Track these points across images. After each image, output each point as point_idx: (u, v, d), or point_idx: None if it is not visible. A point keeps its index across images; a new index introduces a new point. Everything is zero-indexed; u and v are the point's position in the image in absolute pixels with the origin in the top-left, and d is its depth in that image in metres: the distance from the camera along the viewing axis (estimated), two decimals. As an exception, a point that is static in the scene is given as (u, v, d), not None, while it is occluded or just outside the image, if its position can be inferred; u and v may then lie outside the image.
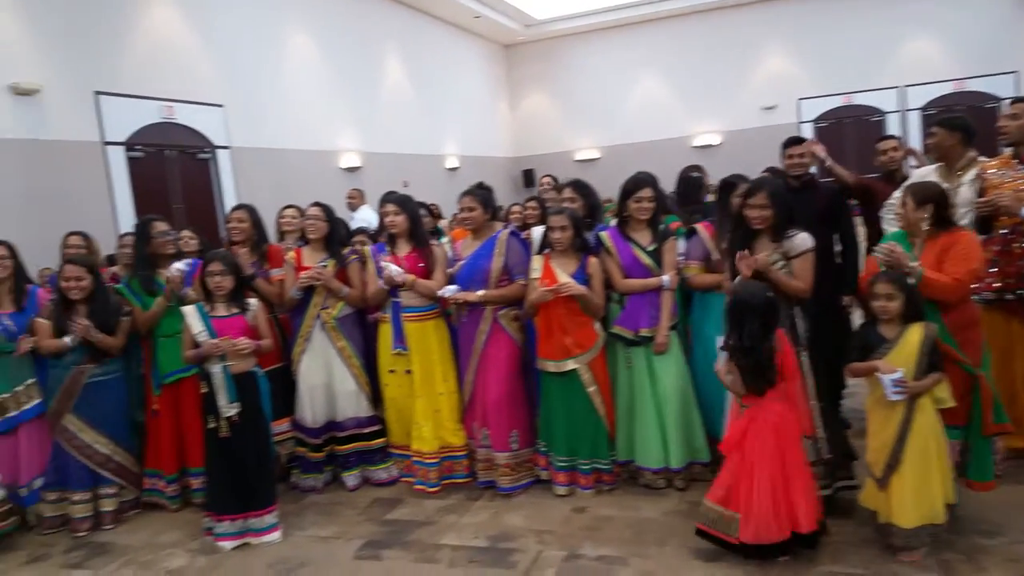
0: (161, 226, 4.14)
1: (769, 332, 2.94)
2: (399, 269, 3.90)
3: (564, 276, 3.70)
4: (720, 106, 15.62)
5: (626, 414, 3.82)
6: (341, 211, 6.01)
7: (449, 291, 3.90)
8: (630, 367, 3.79)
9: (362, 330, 4.27)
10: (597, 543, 3.29)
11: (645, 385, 3.75)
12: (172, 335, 3.97)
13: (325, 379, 4.11)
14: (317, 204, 4.22)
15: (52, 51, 7.07)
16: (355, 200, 8.44)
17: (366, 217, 7.82)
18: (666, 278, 3.71)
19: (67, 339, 3.78)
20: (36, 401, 3.93)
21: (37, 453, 3.92)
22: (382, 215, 4.11)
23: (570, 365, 3.72)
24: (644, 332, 3.72)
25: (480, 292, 3.88)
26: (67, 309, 3.83)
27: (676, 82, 16.04)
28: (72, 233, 4.62)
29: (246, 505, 3.59)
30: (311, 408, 4.10)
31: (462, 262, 4.01)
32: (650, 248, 3.77)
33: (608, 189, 4.94)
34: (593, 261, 3.77)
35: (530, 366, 3.96)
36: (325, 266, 4.10)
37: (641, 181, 3.78)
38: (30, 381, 3.92)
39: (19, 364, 3.88)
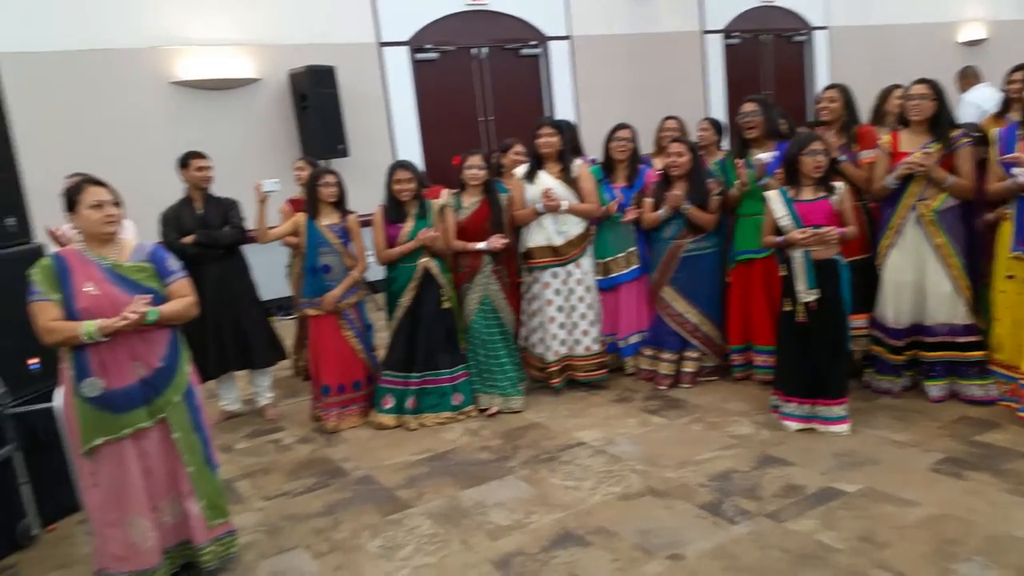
0: (749, 107, 4.35)
1: None
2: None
3: None
4: None
5: None
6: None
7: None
8: None
9: (965, 226, 3.82)
10: None
11: None
12: (752, 215, 4.22)
13: (915, 277, 3.84)
14: (923, 80, 3.83)
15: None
16: (970, 80, 7.33)
17: (979, 98, 6.73)
18: None
19: (660, 212, 4.36)
20: (635, 266, 4.66)
21: (634, 312, 4.69)
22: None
23: None
24: None
25: None
26: (667, 186, 4.40)
27: None
28: (668, 118, 5.21)
29: (816, 392, 3.68)
30: (895, 307, 3.90)
31: None
32: None
33: None
34: None
35: None
36: (928, 151, 3.74)
37: None
38: (632, 249, 4.66)
39: (625, 232, 4.65)
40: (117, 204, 2.76)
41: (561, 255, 4.45)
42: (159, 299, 2.76)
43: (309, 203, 4.36)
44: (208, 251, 4.39)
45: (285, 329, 6.76)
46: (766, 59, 8.77)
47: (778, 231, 3.75)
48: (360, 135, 7.62)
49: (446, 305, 4.32)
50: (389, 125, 8.00)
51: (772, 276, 4.08)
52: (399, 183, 4.27)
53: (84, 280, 2.68)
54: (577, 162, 4.52)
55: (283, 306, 7.27)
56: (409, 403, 4.30)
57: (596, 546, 2.89)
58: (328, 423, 4.36)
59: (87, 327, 2.59)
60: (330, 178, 4.33)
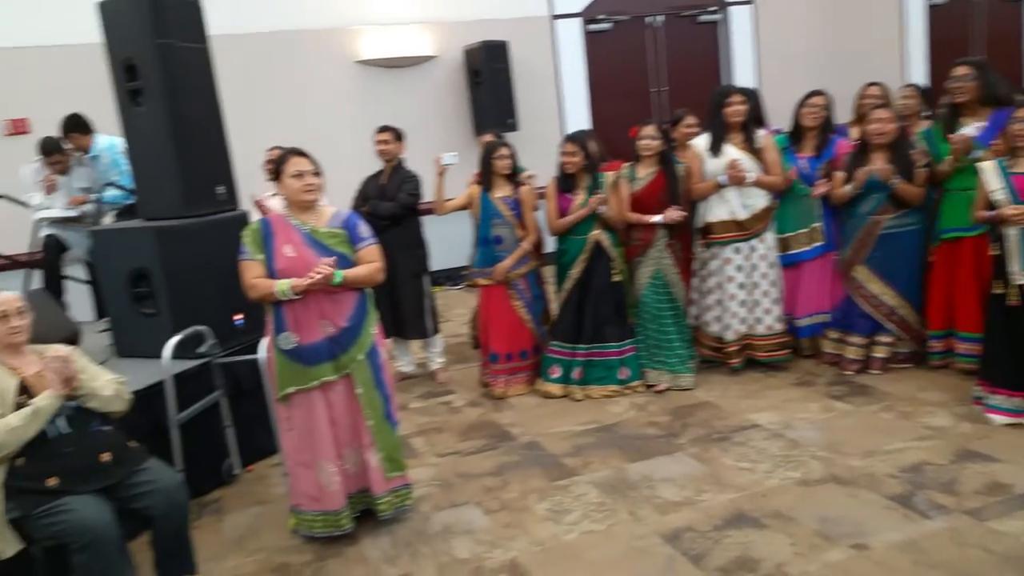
0: (962, 70, 3.97)
1: None
2: None
3: None
4: None
5: None
6: None
7: None
8: None
9: None
10: None
11: None
12: (963, 190, 3.86)
13: None
14: None
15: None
16: None
17: None
18: None
19: (847, 188, 4.08)
20: (818, 243, 4.41)
21: (815, 292, 4.45)
22: None
23: None
24: None
25: None
26: (862, 157, 4.11)
27: None
28: (871, 84, 4.86)
29: (1029, 384, 3.36)
30: None
31: None
32: None
33: None
34: None
35: None
36: None
37: None
38: (816, 224, 4.41)
39: (809, 207, 4.40)
40: (317, 174, 2.97)
41: (745, 229, 4.28)
42: (347, 263, 2.95)
43: (484, 175, 4.50)
44: (376, 221, 4.62)
45: (454, 299, 7.09)
46: (977, 20, 7.95)
47: (991, 206, 3.42)
48: (530, 109, 7.74)
49: (616, 278, 4.31)
50: (559, 98, 8.05)
51: (982, 256, 3.73)
52: (565, 155, 4.30)
53: (284, 243, 2.92)
54: (761, 132, 4.34)
55: (451, 276, 7.58)
56: (575, 374, 4.35)
57: (772, 529, 2.81)
58: (496, 389, 4.50)
59: (280, 285, 2.83)
60: (504, 150, 4.44)
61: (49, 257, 5.03)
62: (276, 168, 3.00)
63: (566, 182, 4.34)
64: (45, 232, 5.10)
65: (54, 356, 2.55)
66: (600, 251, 4.29)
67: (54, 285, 4.99)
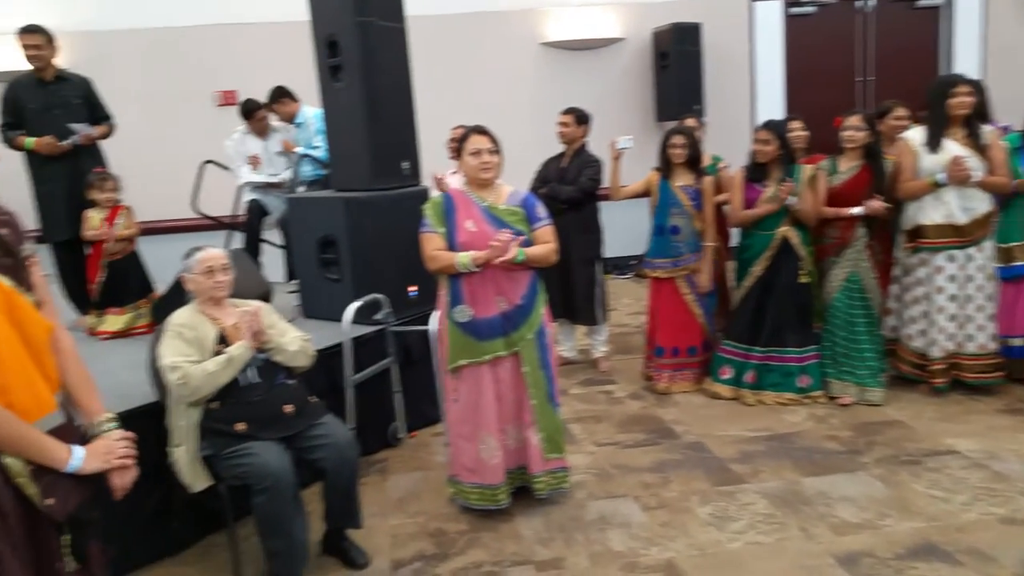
0: None
1: None
2: None
3: None
4: None
5: None
6: None
7: None
8: None
9: None
10: None
11: None
12: None
13: None
14: None
15: None
16: None
17: None
18: None
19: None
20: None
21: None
22: None
23: None
24: None
25: None
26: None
27: None
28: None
29: None
30: None
31: None
32: None
33: None
34: None
35: None
36: None
37: None
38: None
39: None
40: (495, 152, 3.02)
41: (964, 236, 3.86)
42: (525, 242, 2.97)
43: (662, 162, 4.38)
44: (553, 204, 4.62)
45: (621, 288, 7.01)
46: None
47: None
48: (718, 94, 7.47)
49: (804, 279, 4.05)
50: (751, 84, 7.71)
51: None
52: (757, 143, 4.08)
53: (466, 218, 3.00)
54: (987, 128, 3.90)
55: (619, 265, 7.49)
56: (748, 377, 4.15)
57: (966, 567, 2.54)
58: (659, 384, 4.40)
59: (461, 258, 2.91)
60: (677, 139, 4.28)
61: (251, 220, 5.48)
62: (458, 146, 3.08)
63: (756, 172, 4.13)
64: (249, 197, 5.56)
65: (245, 310, 2.78)
66: (787, 249, 4.04)
67: (253, 247, 5.43)
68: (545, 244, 3.02)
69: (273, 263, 5.57)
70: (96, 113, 4.46)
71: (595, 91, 7.37)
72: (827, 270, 4.07)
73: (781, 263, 4.06)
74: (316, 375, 3.15)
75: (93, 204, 4.18)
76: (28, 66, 4.30)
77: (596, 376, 4.78)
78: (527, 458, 3.12)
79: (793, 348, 4.09)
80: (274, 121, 5.61)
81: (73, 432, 1.68)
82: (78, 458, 1.61)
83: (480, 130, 3.04)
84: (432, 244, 3.02)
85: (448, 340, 3.06)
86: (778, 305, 4.07)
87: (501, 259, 2.85)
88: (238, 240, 5.51)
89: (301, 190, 5.26)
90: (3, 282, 1.56)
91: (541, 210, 3.08)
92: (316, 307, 4.20)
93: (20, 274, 1.62)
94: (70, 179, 4.33)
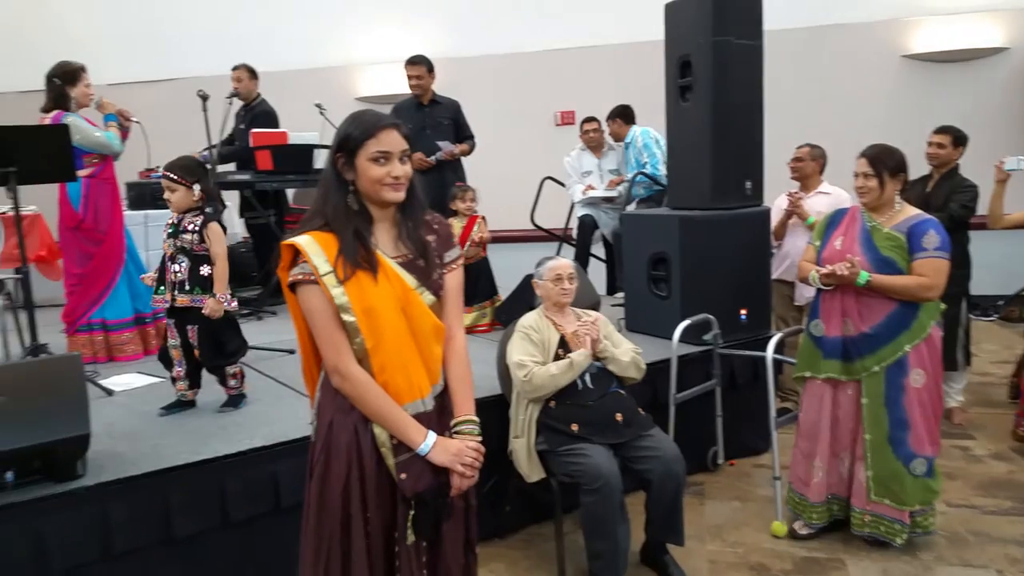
0: None
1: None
2: None
3: None
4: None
5: None
6: None
7: None
8: None
9: None
10: None
11: None
12: None
13: None
14: None
15: None
16: None
17: None
18: None
19: None
20: None
21: None
22: None
23: None
24: None
25: None
26: None
27: None
28: None
29: None
30: None
31: None
32: None
33: None
34: None
35: None
36: None
37: None
38: None
39: None
40: (869, 176, 2.95)
41: None
42: (892, 269, 2.88)
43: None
44: None
45: (983, 331, 6.20)
46: None
47: None
48: None
49: None
50: None
51: None
52: None
53: (840, 234, 3.07)
54: None
55: (981, 304, 6.63)
56: None
57: None
58: (1034, 447, 3.86)
59: (813, 272, 3.02)
60: None
61: (583, 234, 5.82)
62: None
63: None
64: (581, 212, 5.92)
65: (585, 320, 2.99)
66: None
67: (582, 259, 5.77)
68: (914, 277, 2.88)
69: (594, 276, 5.87)
70: (461, 133, 5.09)
71: (963, 107, 6.65)
72: None
73: None
74: (639, 389, 3.27)
75: (455, 213, 4.76)
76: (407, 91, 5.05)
77: (949, 428, 4.31)
78: (852, 490, 3.07)
79: None
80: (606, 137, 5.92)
81: (440, 423, 1.83)
82: (428, 445, 1.75)
83: (863, 154, 3.03)
84: (804, 255, 3.23)
85: (800, 347, 3.22)
86: None
87: (829, 273, 2.92)
88: (568, 253, 5.89)
89: (631, 208, 5.48)
90: (407, 280, 1.77)
91: (930, 240, 2.90)
92: (640, 322, 4.33)
93: (429, 277, 1.82)
94: (434, 191, 4.98)
